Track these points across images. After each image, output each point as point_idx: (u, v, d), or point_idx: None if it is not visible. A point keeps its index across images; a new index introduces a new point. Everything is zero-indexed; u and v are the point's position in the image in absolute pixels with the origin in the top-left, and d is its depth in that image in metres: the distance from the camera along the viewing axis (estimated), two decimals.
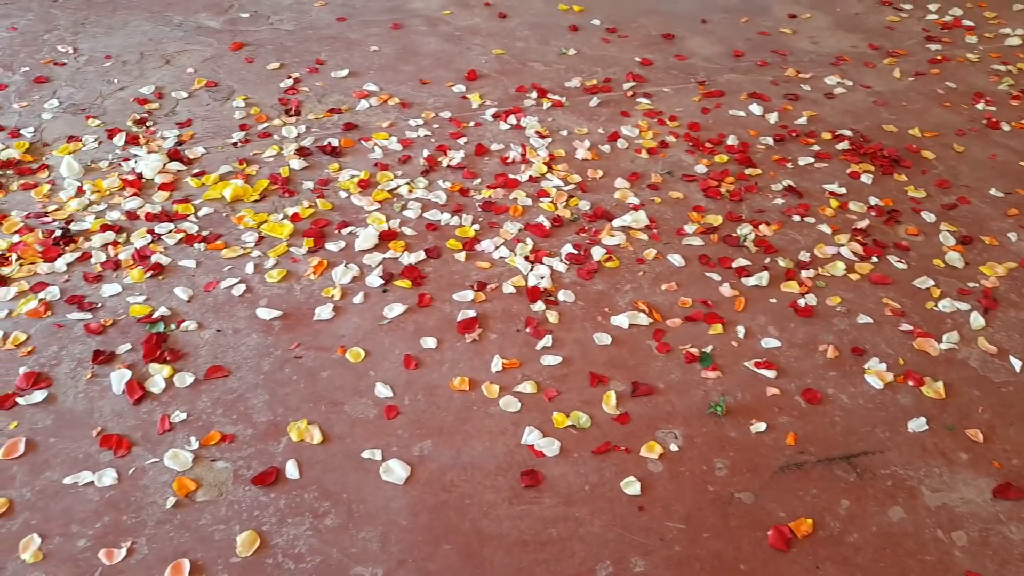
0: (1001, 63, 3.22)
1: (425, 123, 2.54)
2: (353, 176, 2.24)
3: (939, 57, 3.24)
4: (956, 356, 1.84)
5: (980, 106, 2.90)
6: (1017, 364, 1.82)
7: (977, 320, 1.94)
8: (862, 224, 2.24)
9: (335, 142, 2.37)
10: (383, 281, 1.89)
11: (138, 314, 1.72)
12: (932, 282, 2.05)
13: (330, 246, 1.98)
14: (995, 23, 3.58)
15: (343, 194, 2.18)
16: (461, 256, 2.00)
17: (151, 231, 1.96)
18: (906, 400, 1.72)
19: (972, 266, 2.12)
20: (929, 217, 2.29)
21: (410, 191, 2.21)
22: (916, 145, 2.63)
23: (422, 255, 1.99)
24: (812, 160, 2.51)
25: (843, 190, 2.38)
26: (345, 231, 2.03)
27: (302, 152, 2.32)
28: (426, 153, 2.38)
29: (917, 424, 1.66)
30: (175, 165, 2.20)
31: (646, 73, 2.96)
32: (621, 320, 1.85)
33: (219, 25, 3.01)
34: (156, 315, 1.71)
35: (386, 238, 2.03)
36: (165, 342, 1.66)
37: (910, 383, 1.75)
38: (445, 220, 2.12)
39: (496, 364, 1.70)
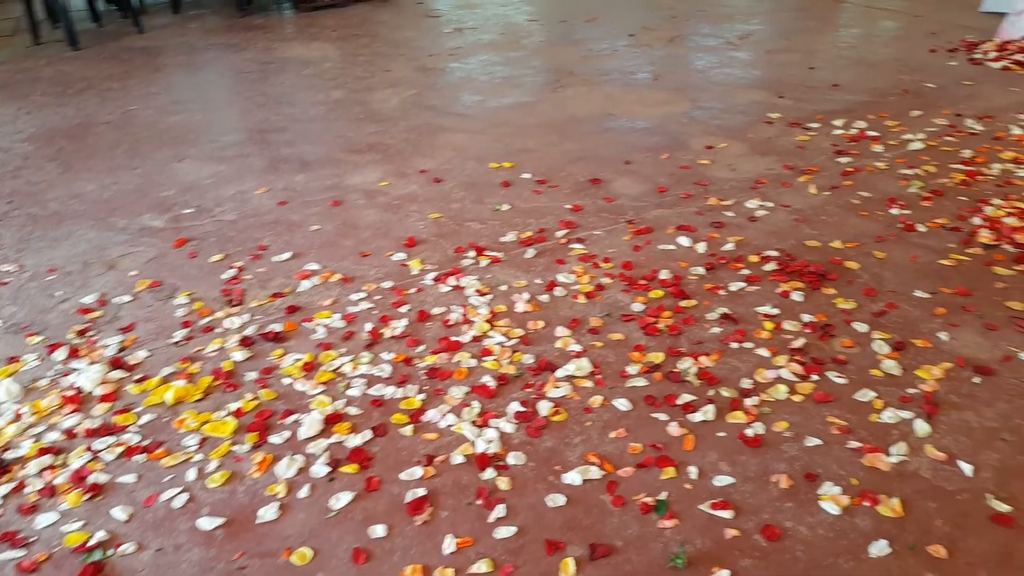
0: (908, 167, 3.44)
1: (367, 296, 2.60)
2: (297, 360, 2.26)
3: (850, 169, 3.45)
4: (907, 468, 1.84)
5: (894, 211, 3.06)
6: (967, 468, 1.83)
7: (922, 427, 1.96)
8: (798, 343, 2.29)
9: (278, 327, 2.41)
10: (329, 469, 1.86)
11: (74, 543, 1.66)
12: (873, 393, 2.08)
13: (274, 439, 1.96)
14: (897, 130, 3.86)
15: (287, 381, 2.19)
16: (408, 430, 1.99)
17: (90, 448, 1.93)
18: (865, 523, 1.70)
19: (909, 371, 2.17)
20: (861, 327, 2.36)
21: (354, 368, 2.23)
22: (839, 257, 2.75)
23: (368, 434, 1.98)
24: (744, 284, 2.60)
25: (776, 311, 2.45)
26: (289, 420, 2.02)
27: (245, 342, 2.34)
28: (369, 326, 2.42)
29: (879, 548, 1.63)
30: (117, 373, 2.21)
31: (578, 219, 3.10)
32: (573, 477, 1.83)
33: (163, 224, 3.12)
34: (93, 542, 1.65)
35: (331, 421, 2.02)
36: (101, 572, 1.59)
37: (866, 503, 1.74)
38: (390, 394, 2.13)
39: (449, 545, 1.65)
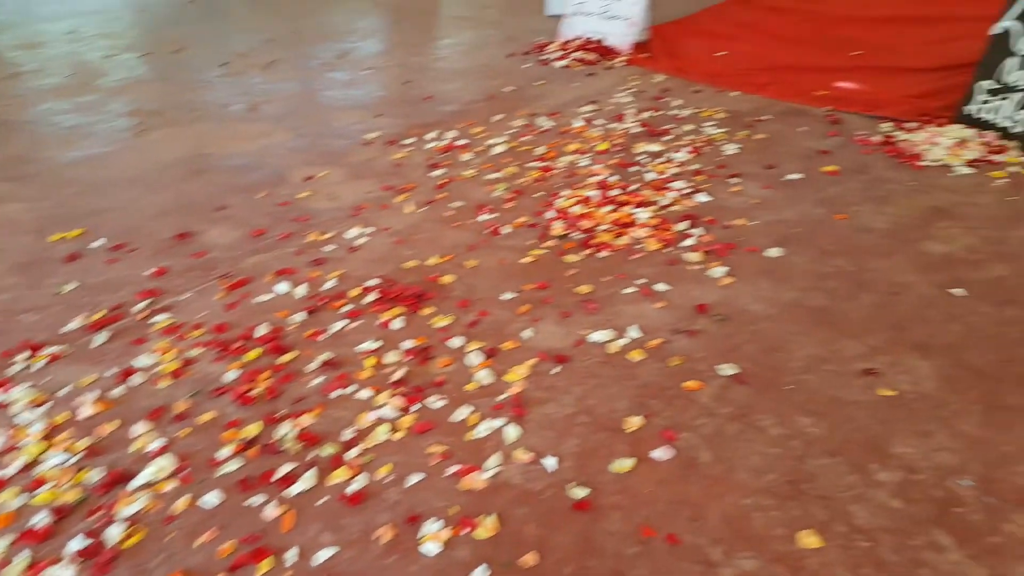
0: (493, 171, 3.67)
1: None
2: None
3: (444, 181, 3.58)
4: (501, 480, 1.90)
5: (483, 217, 3.23)
6: (551, 463, 1.94)
7: (512, 432, 2.05)
8: (399, 374, 2.27)
9: None
10: None
11: None
12: (470, 409, 2.13)
13: None
14: (482, 136, 4.11)
15: None
16: None
17: None
18: (463, 553, 1.70)
19: (500, 377, 2.27)
20: (458, 342, 2.42)
21: None
22: (436, 273, 2.81)
23: None
24: (346, 323, 2.52)
25: (378, 344, 2.41)
26: None
27: None
28: None
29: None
30: None
31: (162, 284, 2.76)
32: None
33: None
34: None
35: None
36: None
37: (466, 530, 1.76)
38: None
39: None
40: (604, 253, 2.91)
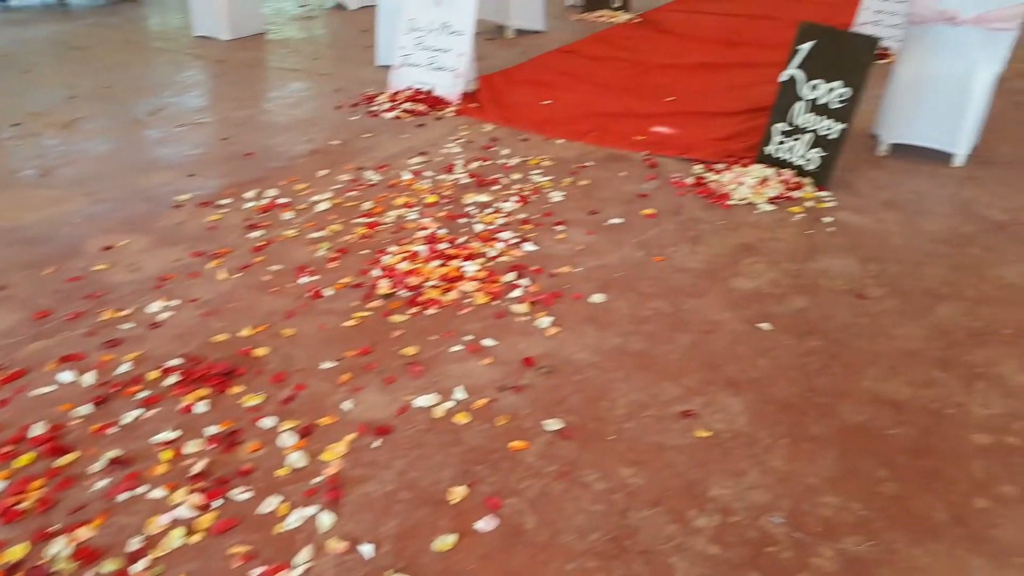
0: (317, 230, 3.51)
1: None
2: None
3: (261, 243, 3.37)
4: (312, 575, 1.74)
5: (303, 280, 3.05)
6: (367, 550, 1.80)
7: (326, 520, 1.88)
8: (200, 466, 2.05)
9: None
10: None
11: None
12: (279, 498, 1.95)
13: None
14: (305, 193, 3.93)
15: None
16: None
17: None
18: None
19: (315, 458, 2.10)
20: (270, 422, 2.23)
21: None
22: (249, 346, 2.60)
23: None
24: (141, 411, 2.26)
25: (177, 433, 2.17)
26: None
27: None
28: None
29: None
30: None
31: None
32: None
33: None
34: None
35: None
36: None
37: None
38: None
39: None
40: (432, 310, 2.83)
